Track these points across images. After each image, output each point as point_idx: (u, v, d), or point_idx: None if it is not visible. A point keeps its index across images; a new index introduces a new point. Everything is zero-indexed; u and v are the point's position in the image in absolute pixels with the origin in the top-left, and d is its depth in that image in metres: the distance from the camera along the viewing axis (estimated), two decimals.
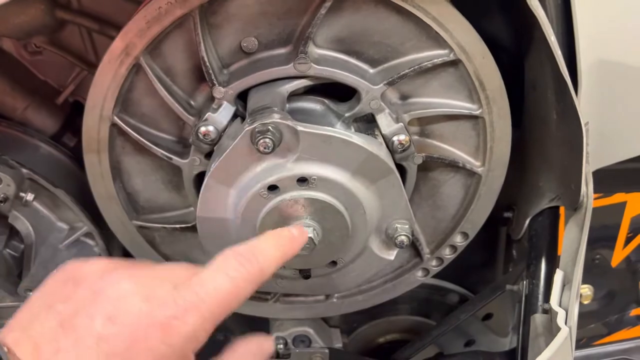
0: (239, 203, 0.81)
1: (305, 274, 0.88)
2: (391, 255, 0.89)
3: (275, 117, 0.77)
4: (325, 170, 0.79)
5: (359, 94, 0.86)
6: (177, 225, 0.99)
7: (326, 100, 0.90)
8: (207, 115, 0.86)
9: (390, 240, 0.87)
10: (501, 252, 1.36)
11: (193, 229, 0.99)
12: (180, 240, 1.04)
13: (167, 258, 1.05)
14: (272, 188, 0.79)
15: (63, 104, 1.11)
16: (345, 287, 0.92)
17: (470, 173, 0.98)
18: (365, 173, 0.80)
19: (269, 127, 0.76)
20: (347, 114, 0.88)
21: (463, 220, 1.02)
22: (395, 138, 0.87)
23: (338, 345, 1.28)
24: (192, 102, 0.90)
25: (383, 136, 0.88)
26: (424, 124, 0.94)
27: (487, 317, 1.26)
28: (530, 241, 1.12)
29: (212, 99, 0.88)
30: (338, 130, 0.79)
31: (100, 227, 1.06)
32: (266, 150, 0.76)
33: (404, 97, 0.91)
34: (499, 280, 1.25)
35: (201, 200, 0.81)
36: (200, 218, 0.83)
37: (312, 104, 0.90)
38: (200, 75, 0.88)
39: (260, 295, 1.11)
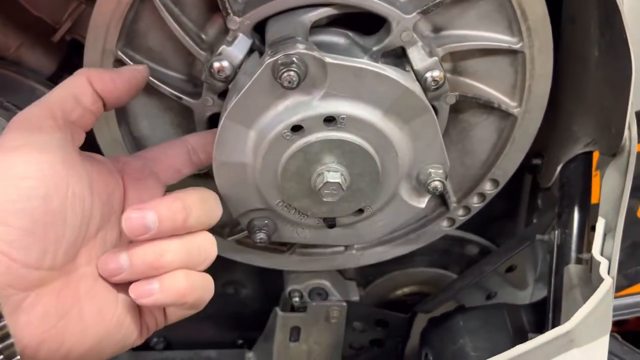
0: (260, 145, 0.74)
1: (330, 223, 0.81)
2: (422, 202, 0.82)
3: (300, 48, 0.69)
4: (355, 108, 0.71)
5: (389, 24, 0.78)
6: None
7: (350, 33, 0.82)
8: (220, 49, 0.77)
9: (421, 187, 0.80)
10: (524, 202, 1.30)
11: (206, 176, 0.93)
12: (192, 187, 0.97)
13: None
14: (296, 129, 0.72)
15: (59, 43, 1.02)
16: (371, 237, 0.86)
17: (505, 115, 0.90)
18: (398, 112, 0.73)
19: (293, 59, 0.68)
20: (374, 48, 0.80)
21: (494, 167, 0.96)
22: (428, 74, 0.80)
23: (355, 298, 1.23)
24: (203, 36, 0.82)
25: (415, 72, 0.80)
26: (457, 59, 0.86)
27: (510, 269, 1.21)
28: (562, 189, 1.06)
29: (225, 31, 0.79)
30: (370, 63, 0.71)
31: None
32: (290, 85, 0.68)
33: (436, 30, 0.83)
34: (525, 230, 1.19)
35: (217, 143, 0.74)
36: (216, 163, 0.75)
37: (335, 37, 0.82)
38: (212, 4, 0.79)
39: (275, 246, 1.05)
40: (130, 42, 0.81)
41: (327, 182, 0.72)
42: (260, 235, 0.81)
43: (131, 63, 0.81)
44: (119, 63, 0.81)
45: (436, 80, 0.80)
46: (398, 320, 1.19)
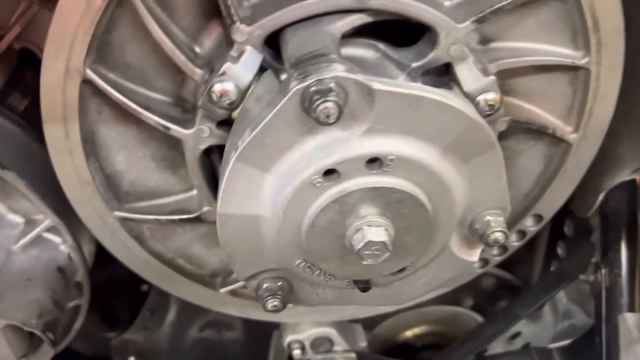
0: (280, 194, 0.57)
1: (364, 286, 0.65)
2: (474, 255, 0.67)
3: (339, 70, 0.52)
4: (407, 146, 0.55)
5: (435, 35, 0.62)
6: (176, 217, 0.75)
7: (381, 45, 0.66)
8: (224, 67, 0.60)
9: (475, 237, 0.65)
10: (546, 228, 1.16)
11: (196, 220, 0.75)
12: (176, 233, 0.80)
13: (158, 256, 0.80)
14: (330, 173, 0.55)
15: (6, 53, 0.82)
16: (409, 298, 0.71)
17: (557, 141, 0.76)
18: (459, 149, 0.57)
19: (331, 85, 0.51)
20: (414, 64, 0.64)
21: (539, 200, 0.81)
22: (481, 97, 0.64)
23: (362, 344, 1.08)
24: (197, 49, 0.65)
25: (465, 94, 0.64)
26: (506, 77, 0.70)
27: (539, 306, 1.07)
28: (606, 221, 0.93)
29: (225, 43, 0.62)
30: (431, 89, 0.55)
31: (65, 216, 0.79)
32: (328, 120, 0.51)
33: (485, 41, 0.67)
34: (561, 267, 1.05)
35: (224, 190, 0.57)
36: (222, 215, 0.58)
37: (362, 50, 0.66)
38: (208, 10, 0.62)
39: None
40: (102, 58, 0.63)
41: (369, 241, 0.56)
42: (274, 303, 0.65)
43: (103, 83, 0.63)
44: (88, 84, 0.63)
45: (491, 105, 0.65)
46: None
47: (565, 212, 1.08)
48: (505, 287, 1.18)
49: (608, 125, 0.76)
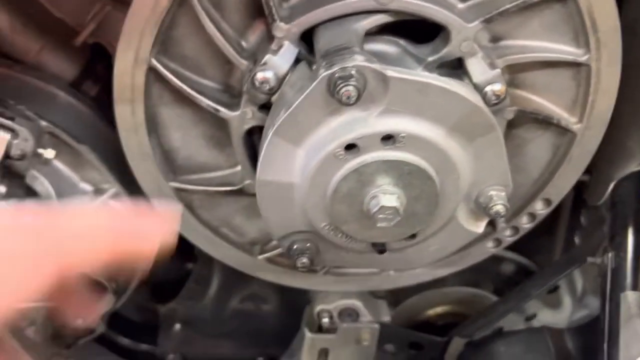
0: (309, 165, 0.67)
1: (380, 249, 0.75)
2: (479, 227, 0.76)
3: (359, 60, 0.63)
4: (417, 126, 0.65)
5: (448, 33, 0.72)
6: (221, 188, 0.86)
7: (402, 41, 0.76)
8: (265, 58, 0.71)
9: (480, 210, 0.74)
10: (564, 218, 1.23)
11: (238, 192, 0.86)
12: (221, 204, 0.91)
13: (206, 224, 0.92)
14: (350, 147, 0.66)
15: (82, 47, 0.96)
16: (421, 263, 0.80)
17: (563, 131, 0.84)
18: (463, 130, 0.67)
19: (352, 72, 0.62)
20: (429, 59, 0.73)
21: (547, 186, 0.89)
22: (488, 88, 0.73)
23: (386, 318, 1.17)
24: (244, 43, 0.76)
25: (473, 85, 0.73)
26: (515, 71, 0.79)
27: (552, 290, 1.14)
28: (614, 209, 1.00)
29: (268, 39, 0.73)
30: (436, 77, 0.65)
31: (126, 186, 0.92)
32: (348, 101, 0.61)
33: (495, 39, 0.76)
34: (573, 251, 1.12)
35: (262, 161, 0.68)
36: (260, 181, 0.69)
37: (385, 46, 0.75)
38: (255, 9, 0.73)
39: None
40: (165, 50, 0.75)
41: (383, 206, 0.66)
42: (303, 260, 0.75)
43: (166, 71, 0.75)
44: (153, 72, 0.75)
45: (497, 95, 0.73)
46: (433, 344, 1.13)
47: (581, 203, 1.16)
48: (524, 273, 1.25)
49: (610, 117, 0.83)
